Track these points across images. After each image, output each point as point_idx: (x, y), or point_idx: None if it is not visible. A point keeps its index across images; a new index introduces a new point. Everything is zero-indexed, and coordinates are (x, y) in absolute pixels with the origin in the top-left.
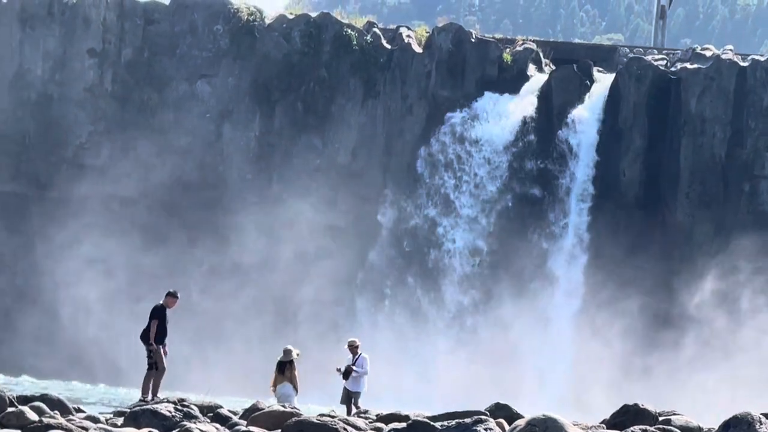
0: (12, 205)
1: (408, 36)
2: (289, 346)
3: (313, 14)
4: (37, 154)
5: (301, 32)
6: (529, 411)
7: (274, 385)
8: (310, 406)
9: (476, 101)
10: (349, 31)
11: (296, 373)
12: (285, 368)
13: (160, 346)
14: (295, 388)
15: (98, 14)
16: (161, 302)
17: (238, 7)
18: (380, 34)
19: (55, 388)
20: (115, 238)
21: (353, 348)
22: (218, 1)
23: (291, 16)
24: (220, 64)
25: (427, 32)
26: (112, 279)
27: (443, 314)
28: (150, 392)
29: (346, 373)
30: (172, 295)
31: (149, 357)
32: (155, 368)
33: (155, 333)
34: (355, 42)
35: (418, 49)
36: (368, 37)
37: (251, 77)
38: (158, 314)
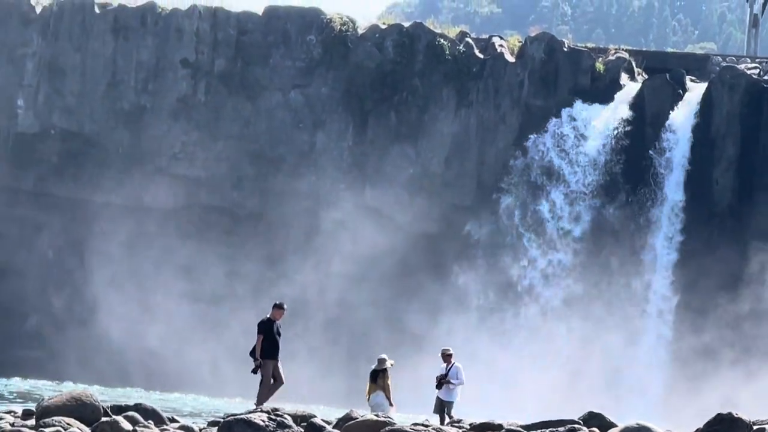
0: (105, 215)
1: (500, 45)
2: (384, 356)
3: (406, 24)
4: (130, 165)
5: (394, 42)
6: (622, 420)
7: (368, 394)
8: (403, 415)
9: (568, 110)
10: (442, 40)
11: (390, 382)
12: (378, 377)
13: (270, 360)
14: (388, 398)
15: (191, 24)
16: (268, 315)
17: (331, 17)
18: (473, 43)
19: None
20: (209, 247)
21: (447, 357)
22: (311, 11)
23: (384, 26)
24: (313, 74)
25: (519, 42)
26: (198, 287)
27: (529, 324)
28: (261, 403)
29: (440, 383)
30: (278, 307)
31: (255, 372)
32: (274, 381)
33: (261, 348)
34: (447, 52)
35: (511, 59)
36: (461, 47)
37: (344, 87)
38: (264, 328)
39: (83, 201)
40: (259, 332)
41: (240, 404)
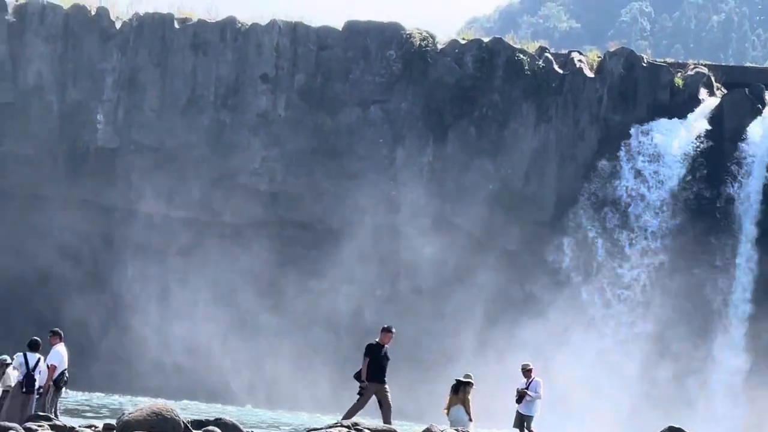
0: (185, 231)
1: (579, 60)
2: (469, 373)
3: (486, 39)
4: (210, 180)
5: (474, 57)
6: None
7: (448, 407)
8: (482, 430)
9: (647, 125)
10: (521, 56)
11: (470, 397)
12: (460, 390)
13: (375, 384)
14: (468, 413)
15: (271, 40)
16: (376, 340)
17: (411, 32)
18: (552, 58)
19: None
20: (289, 262)
21: (527, 372)
22: (391, 26)
23: (463, 41)
24: (393, 89)
25: (598, 57)
26: (278, 301)
27: (604, 341)
28: (347, 418)
29: (520, 397)
30: (387, 331)
31: (360, 394)
32: (381, 406)
33: (367, 371)
34: (527, 67)
35: (590, 74)
36: (540, 62)
37: (424, 102)
38: (371, 352)
39: (163, 216)
40: (366, 355)
41: (315, 418)
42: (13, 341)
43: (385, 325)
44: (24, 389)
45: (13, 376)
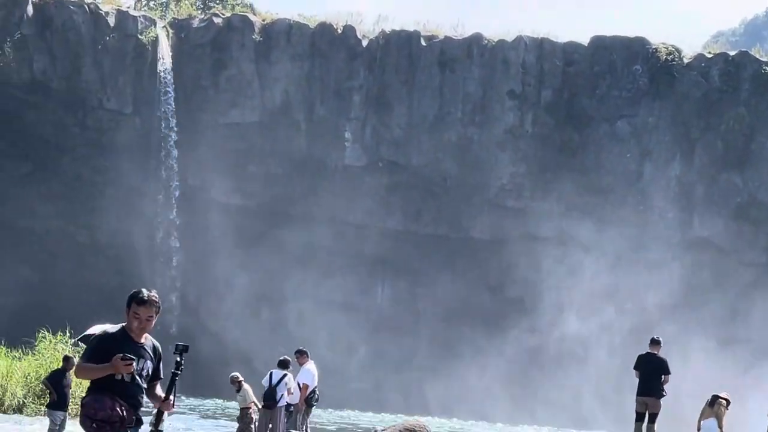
0: (434, 246)
1: None
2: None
3: (732, 53)
4: (458, 196)
5: (720, 70)
6: None
7: (701, 418)
8: None
9: None
10: None
11: (725, 411)
12: (716, 403)
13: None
14: (720, 426)
15: (517, 56)
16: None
17: (657, 46)
18: None
19: None
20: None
21: None
22: (637, 41)
23: (709, 55)
24: (640, 103)
25: None
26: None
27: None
28: None
29: None
30: (655, 343)
31: None
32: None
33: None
34: None
35: None
36: None
37: (670, 116)
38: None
39: (410, 233)
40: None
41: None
42: None
43: (654, 337)
44: (263, 403)
45: (251, 392)
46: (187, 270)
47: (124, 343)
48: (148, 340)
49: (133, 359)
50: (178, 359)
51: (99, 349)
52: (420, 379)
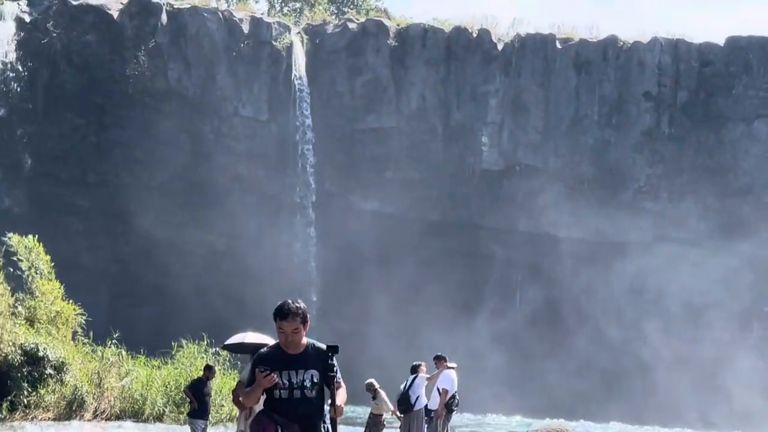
0: (585, 250)
1: None
2: None
3: None
4: (596, 200)
5: None
6: None
7: None
8: None
9: None
10: None
11: None
12: None
13: None
14: None
15: (653, 57)
16: None
17: None
18: None
19: None
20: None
21: None
22: None
23: None
24: None
25: None
26: None
27: None
28: None
29: None
30: None
31: None
32: None
33: None
34: None
35: None
36: None
37: None
38: None
39: (546, 236)
40: None
41: None
42: None
43: None
44: (399, 409)
45: (387, 399)
46: (326, 276)
47: (277, 358)
48: (309, 348)
49: (268, 370)
50: (330, 361)
51: (254, 371)
52: (562, 382)
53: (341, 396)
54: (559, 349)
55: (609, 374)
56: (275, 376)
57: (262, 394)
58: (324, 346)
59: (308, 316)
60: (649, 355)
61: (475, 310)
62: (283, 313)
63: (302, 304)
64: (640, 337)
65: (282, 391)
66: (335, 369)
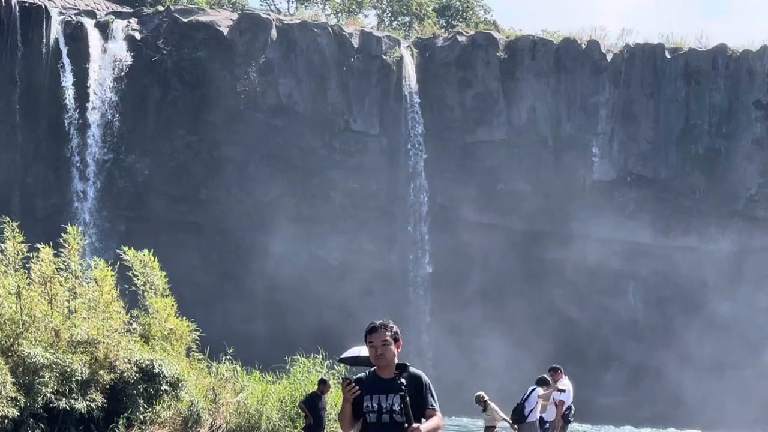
0: (682, 259)
1: None
2: None
3: None
4: (707, 208)
5: None
6: None
7: None
8: None
9: None
10: None
11: None
12: None
13: None
14: None
15: (762, 66)
16: None
17: None
18: None
19: None
20: None
21: None
22: None
23: None
24: None
25: None
26: None
27: None
28: None
29: None
30: None
31: None
32: None
33: None
34: None
35: None
36: None
37: None
38: None
39: (658, 246)
40: None
41: None
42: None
43: None
44: (512, 419)
45: (499, 411)
46: (438, 288)
47: (369, 381)
48: (407, 373)
49: (352, 382)
50: (398, 380)
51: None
52: (678, 392)
53: (429, 424)
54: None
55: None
56: (357, 388)
57: (358, 420)
58: (418, 372)
59: (399, 334)
60: None
61: (588, 315)
62: (371, 327)
63: (392, 323)
64: None
65: (371, 414)
66: (403, 388)
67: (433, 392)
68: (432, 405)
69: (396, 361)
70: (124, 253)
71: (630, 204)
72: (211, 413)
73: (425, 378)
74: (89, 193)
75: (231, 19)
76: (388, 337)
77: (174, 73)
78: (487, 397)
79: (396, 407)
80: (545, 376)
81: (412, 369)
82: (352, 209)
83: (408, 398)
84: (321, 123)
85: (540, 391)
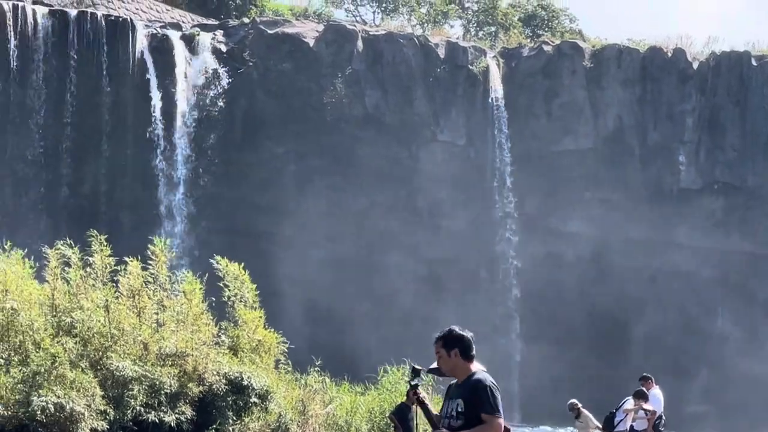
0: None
1: None
2: None
3: None
4: None
5: None
6: None
7: None
8: None
9: None
10: None
11: None
12: None
13: None
14: None
15: None
16: None
17: None
18: None
19: None
20: None
21: None
22: None
23: None
24: None
25: None
26: None
27: None
28: None
29: None
30: None
31: None
32: None
33: None
34: None
35: None
36: None
37: None
38: None
39: (746, 254)
40: None
41: None
42: None
43: None
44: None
45: (592, 418)
46: (529, 300)
47: (448, 388)
48: (470, 379)
49: (417, 385)
50: (411, 382)
51: None
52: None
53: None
54: None
55: None
56: (412, 392)
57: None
58: (478, 376)
59: (454, 341)
60: None
61: (676, 326)
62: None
63: (447, 331)
64: None
65: (443, 420)
66: (417, 391)
67: (493, 395)
68: (487, 410)
69: (459, 368)
70: (217, 262)
71: (717, 212)
72: (299, 425)
73: (484, 381)
74: (175, 205)
75: (317, 31)
76: (439, 348)
77: (260, 84)
78: (580, 405)
79: (453, 413)
80: (642, 389)
81: (479, 373)
82: (439, 219)
83: (425, 404)
84: (407, 134)
85: (630, 403)
